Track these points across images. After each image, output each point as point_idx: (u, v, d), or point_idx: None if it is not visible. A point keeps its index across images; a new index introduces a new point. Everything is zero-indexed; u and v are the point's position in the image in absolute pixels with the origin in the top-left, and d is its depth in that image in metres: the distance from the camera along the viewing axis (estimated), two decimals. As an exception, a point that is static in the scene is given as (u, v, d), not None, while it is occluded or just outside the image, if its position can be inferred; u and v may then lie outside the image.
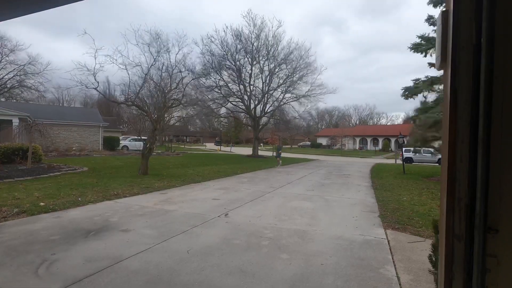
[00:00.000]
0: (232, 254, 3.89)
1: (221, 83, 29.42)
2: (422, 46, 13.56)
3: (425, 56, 13.64)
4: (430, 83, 13.12)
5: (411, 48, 13.92)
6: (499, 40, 0.67)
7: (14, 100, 37.83)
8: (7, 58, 36.59)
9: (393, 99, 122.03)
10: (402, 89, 14.36)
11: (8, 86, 39.10)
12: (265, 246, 4.24)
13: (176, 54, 15.35)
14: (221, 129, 63.28)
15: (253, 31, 28.05)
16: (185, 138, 70.00)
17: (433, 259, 2.80)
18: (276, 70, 29.42)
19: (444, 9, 0.77)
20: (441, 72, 0.80)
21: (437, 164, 23.37)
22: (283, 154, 35.31)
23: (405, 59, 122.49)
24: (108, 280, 3.08)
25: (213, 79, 28.96)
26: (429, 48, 13.20)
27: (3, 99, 36.85)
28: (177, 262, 3.60)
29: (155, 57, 13.27)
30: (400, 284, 3.19)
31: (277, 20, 46.67)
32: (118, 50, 13.22)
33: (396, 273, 3.45)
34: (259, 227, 5.16)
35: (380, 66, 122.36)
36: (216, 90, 29.43)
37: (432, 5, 12.71)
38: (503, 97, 0.68)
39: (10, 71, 37.81)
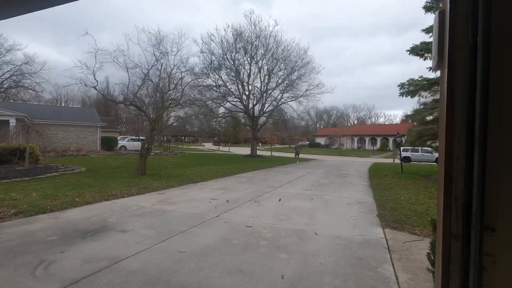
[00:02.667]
0: (231, 254, 3.89)
1: (220, 82, 29.43)
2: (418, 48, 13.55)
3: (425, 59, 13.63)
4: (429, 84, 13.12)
5: (409, 51, 13.89)
6: (496, 40, 0.68)
7: (12, 101, 37.61)
8: (3, 58, 36.40)
9: (370, 95, 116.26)
10: (398, 86, 14.35)
11: (5, 86, 38.89)
12: (264, 246, 4.24)
13: (175, 55, 15.31)
14: (219, 129, 63.20)
15: (253, 30, 28.06)
16: (183, 138, 69.87)
17: (432, 257, 2.82)
18: (275, 69, 29.44)
19: (440, 9, 0.77)
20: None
21: (435, 163, 23.46)
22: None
23: (365, 46, 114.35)
24: (106, 281, 3.07)
25: (212, 78, 28.99)
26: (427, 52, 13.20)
27: (0, 100, 36.64)
28: (175, 262, 3.59)
29: (157, 57, 13.24)
30: (398, 283, 3.20)
31: (274, 20, 46.66)
32: (120, 50, 13.15)
33: (394, 272, 3.46)
34: (257, 227, 5.16)
35: (340, 55, 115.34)
36: (215, 89, 29.44)
37: (426, 10, 12.80)
38: (500, 97, 0.68)
39: (7, 71, 37.62)
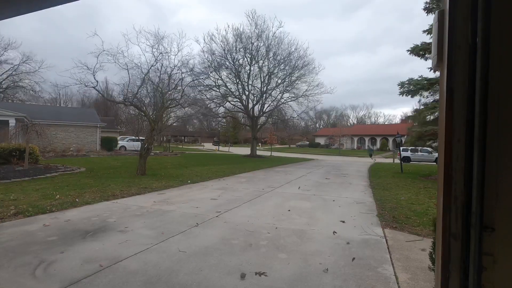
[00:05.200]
0: (231, 254, 3.89)
1: (220, 82, 29.42)
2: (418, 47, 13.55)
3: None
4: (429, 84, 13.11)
5: (410, 51, 13.89)
6: (495, 40, 0.68)
7: (10, 101, 37.57)
8: (1, 57, 36.39)
9: (348, 92, 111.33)
10: (398, 85, 14.34)
11: (4, 86, 38.87)
12: (264, 246, 4.24)
13: (176, 56, 15.38)
14: (219, 129, 63.24)
15: (253, 30, 28.05)
16: (183, 138, 69.89)
17: (434, 257, 2.82)
18: (275, 70, 29.43)
19: (440, 9, 0.77)
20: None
21: (435, 163, 23.47)
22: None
23: (317, 32, 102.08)
24: (106, 281, 3.07)
25: (212, 78, 28.98)
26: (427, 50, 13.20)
27: (-1, 100, 36.63)
28: (175, 262, 3.59)
29: (156, 57, 13.24)
30: (398, 283, 3.20)
31: (278, 21, 46.53)
32: (120, 51, 13.21)
33: (394, 272, 3.46)
34: (257, 227, 5.16)
35: (295, 43, 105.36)
36: (215, 89, 29.44)
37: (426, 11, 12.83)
38: (499, 97, 0.68)
39: (5, 71, 37.60)
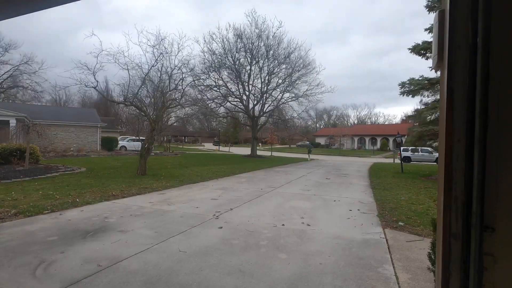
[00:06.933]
0: (231, 254, 3.89)
1: (220, 82, 29.43)
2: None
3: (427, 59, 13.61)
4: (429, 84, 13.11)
5: (411, 50, 13.90)
6: (495, 40, 0.68)
7: (11, 101, 37.60)
8: (1, 58, 36.43)
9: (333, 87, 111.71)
10: (399, 85, 14.33)
11: (4, 86, 38.93)
12: (264, 246, 4.24)
13: (176, 56, 15.38)
14: (219, 129, 63.21)
15: (254, 30, 28.06)
16: (183, 138, 69.88)
17: (432, 257, 2.82)
18: (276, 70, 29.42)
19: (440, 9, 0.77)
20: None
21: (435, 163, 23.44)
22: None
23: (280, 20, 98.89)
24: (106, 281, 3.07)
25: (212, 78, 28.99)
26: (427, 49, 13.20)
27: None
28: (175, 262, 3.59)
29: (156, 57, 13.22)
30: (398, 283, 3.20)
31: (278, 20, 46.45)
32: (121, 51, 13.20)
33: (395, 272, 3.46)
34: (257, 227, 5.16)
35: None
36: (215, 89, 29.44)
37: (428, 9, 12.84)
38: (499, 97, 0.68)
39: (6, 72, 37.64)
